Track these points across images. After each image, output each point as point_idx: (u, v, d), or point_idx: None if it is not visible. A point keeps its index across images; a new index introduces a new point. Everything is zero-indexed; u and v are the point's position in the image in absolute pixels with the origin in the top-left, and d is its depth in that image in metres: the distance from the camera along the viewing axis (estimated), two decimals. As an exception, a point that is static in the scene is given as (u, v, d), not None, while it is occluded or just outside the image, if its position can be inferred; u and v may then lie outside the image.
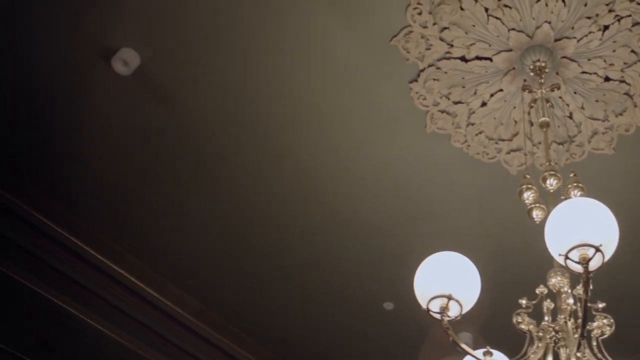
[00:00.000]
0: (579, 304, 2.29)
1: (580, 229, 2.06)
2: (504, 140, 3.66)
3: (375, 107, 3.60)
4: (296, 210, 4.15)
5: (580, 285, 2.21)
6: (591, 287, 2.03)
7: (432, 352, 4.44)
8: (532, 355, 2.30)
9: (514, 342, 2.42)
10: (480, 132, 3.66)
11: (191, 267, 4.58)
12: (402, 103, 3.58)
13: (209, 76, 3.49)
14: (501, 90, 3.45)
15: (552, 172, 2.67)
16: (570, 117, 3.49)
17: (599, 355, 2.22)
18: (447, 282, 2.29)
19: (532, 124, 3.46)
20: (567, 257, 2.05)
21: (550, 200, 2.70)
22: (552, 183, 2.67)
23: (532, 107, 3.24)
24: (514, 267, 4.04)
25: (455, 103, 3.56)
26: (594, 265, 2.04)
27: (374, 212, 4.10)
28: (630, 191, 3.78)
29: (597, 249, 2.02)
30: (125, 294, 4.63)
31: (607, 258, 2.05)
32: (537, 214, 2.72)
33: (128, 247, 4.49)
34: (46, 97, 3.66)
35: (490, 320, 3.61)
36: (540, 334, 2.31)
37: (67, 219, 4.28)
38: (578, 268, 2.05)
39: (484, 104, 3.54)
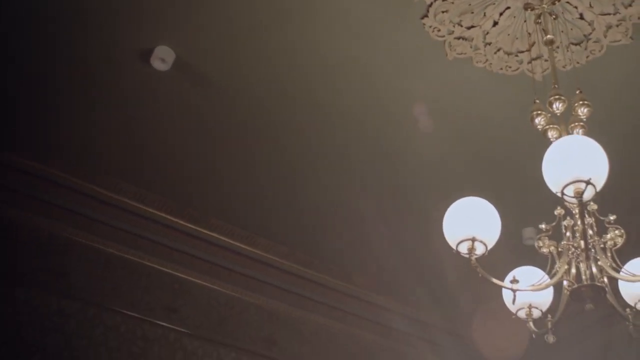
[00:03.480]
0: (593, 219, 2.55)
1: (570, 166, 2.31)
2: (522, 52, 3.81)
3: (395, 49, 3.85)
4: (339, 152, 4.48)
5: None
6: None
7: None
8: (558, 270, 2.62)
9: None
10: (499, 50, 3.82)
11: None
12: (419, 39, 3.79)
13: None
14: (508, 7, 3.59)
15: (556, 97, 2.86)
16: (582, 17, 3.58)
17: (614, 265, 2.51)
18: (470, 226, 2.62)
19: (546, 33, 3.58)
20: (563, 193, 2.33)
21: (561, 120, 2.92)
22: (558, 107, 2.87)
23: (538, 23, 3.37)
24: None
25: (469, 28, 3.73)
26: (587, 197, 2.30)
27: (408, 139, 4.38)
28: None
29: (588, 183, 2.28)
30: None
31: (598, 189, 2.30)
32: (552, 135, 2.94)
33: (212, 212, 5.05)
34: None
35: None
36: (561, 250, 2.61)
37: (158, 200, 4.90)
38: (574, 201, 2.32)
39: (495, 24, 3.69)
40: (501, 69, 3.92)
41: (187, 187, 4.92)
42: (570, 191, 2.33)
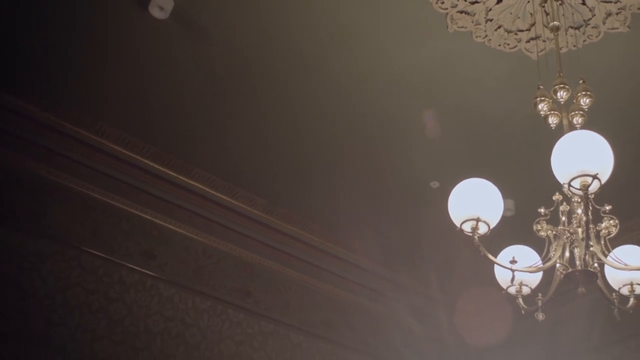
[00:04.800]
0: (590, 207, 2.69)
1: (579, 160, 2.44)
2: (522, 30, 3.89)
3: (397, 17, 3.88)
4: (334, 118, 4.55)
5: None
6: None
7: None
8: (553, 253, 2.77)
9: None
10: (499, 27, 3.89)
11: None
12: (423, 10, 3.84)
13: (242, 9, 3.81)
14: (515, -13, 3.65)
15: (561, 85, 2.97)
16: (584, 3, 3.67)
17: (605, 252, 2.67)
18: (474, 206, 2.73)
19: (547, 14, 3.67)
20: (570, 185, 2.45)
21: (562, 107, 3.04)
22: (562, 95, 2.98)
23: (543, 6, 3.44)
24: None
25: (472, 3, 3.79)
26: (592, 189, 2.44)
27: (408, 106, 4.46)
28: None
29: (595, 177, 2.41)
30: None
31: (603, 182, 2.44)
32: (552, 120, 3.06)
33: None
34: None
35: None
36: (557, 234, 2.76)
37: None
38: (580, 193, 2.46)
39: (499, 1, 3.75)
40: (499, 45, 4.00)
41: (171, 136, 4.90)
42: (576, 183, 2.46)
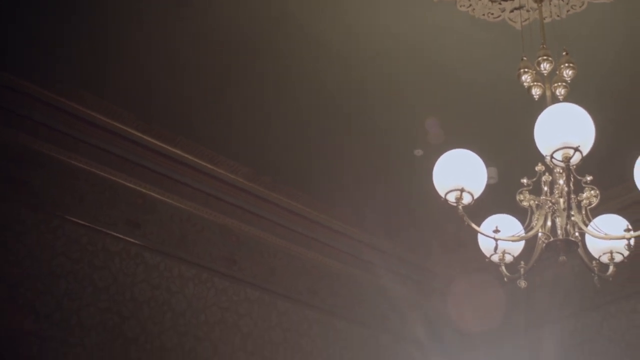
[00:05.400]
0: (572, 179, 2.74)
1: (561, 133, 2.48)
2: (506, 0, 3.89)
3: (383, -13, 3.86)
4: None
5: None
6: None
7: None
8: (535, 223, 2.83)
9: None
10: (483, -4, 3.89)
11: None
12: (407, -20, 3.82)
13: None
14: (500, -44, 3.64)
15: (545, 57, 3.00)
16: (567, -28, 3.68)
17: (587, 222, 2.74)
18: (459, 177, 2.78)
19: (537, -11, 3.67)
20: (552, 157, 2.50)
21: (545, 79, 3.07)
22: (545, 67, 3.02)
23: (526, -25, 3.45)
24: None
25: (456, -27, 3.78)
26: (574, 161, 2.49)
27: (391, 75, 4.47)
28: (630, 40, 4.04)
29: (576, 149, 2.46)
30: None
31: (585, 154, 2.49)
32: (535, 92, 3.10)
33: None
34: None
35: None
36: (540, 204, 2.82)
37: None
38: (562, 165, 2.50)
39: (483, -29, 3.75)
40: (483, 15, 4.00)
41: (154, 104, 4.88)
42: (559, 155, 2.51)
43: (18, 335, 4.43)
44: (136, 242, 5.15)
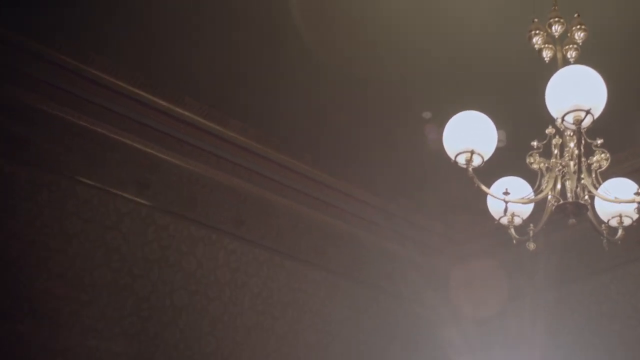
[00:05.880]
0: (582, 142, 2.74)
1: (573, 95, 2.47)
2: (518, -41, 3.85)
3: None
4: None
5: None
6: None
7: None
8: (545, 186, 2.84)
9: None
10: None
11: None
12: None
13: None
14: None
15: (556, 19, 2.97)
16: None
17: (597, 185, 2.74)
18: (469, 139, 2.78)
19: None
20: (563, 120, 2.50)
21: (557, 41, 3.05)
22: (556, 29, 2.99)
23: None
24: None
25: None
26: (585, 124, 2.48)
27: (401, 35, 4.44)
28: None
29: (588, 112, 2.45)
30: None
31: (596, 117, 2.48)
32: (546, 54, 3.08)
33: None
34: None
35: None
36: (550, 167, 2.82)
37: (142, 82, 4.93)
38: (572, 128, 2.50)
39: None
40: (495, -24, 3.96)
41: (160, 63, 4.85)
42: (570, 118, 2.50)
43: (32, 294, 4.51)
44: (146, 203, 5.19)
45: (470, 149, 2.76)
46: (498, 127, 2.96)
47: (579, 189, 2.74)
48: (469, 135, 2.79)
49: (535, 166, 2.90)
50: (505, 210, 2.84)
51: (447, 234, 6.59)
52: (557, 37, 3.03)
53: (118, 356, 4.81)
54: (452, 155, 2.82)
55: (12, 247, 4.51)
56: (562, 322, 5.92)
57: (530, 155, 2.90)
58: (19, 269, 4.49)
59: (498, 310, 6.35)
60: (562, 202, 2.77)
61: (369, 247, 6.36)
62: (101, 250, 4.90)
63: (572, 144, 2.79)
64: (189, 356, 5.15)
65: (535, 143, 2.92)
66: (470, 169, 2.77)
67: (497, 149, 2.95)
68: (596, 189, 2.78)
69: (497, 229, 3.15)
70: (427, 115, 4.98)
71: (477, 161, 2.78)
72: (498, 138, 2.99)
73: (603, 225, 2.97)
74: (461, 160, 2.79)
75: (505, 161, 3.39)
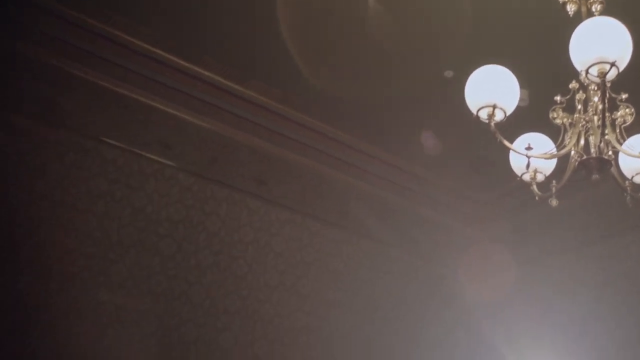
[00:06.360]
0: (607, 96, 2.71)
1: (597, 47, 2.43)
2: None
3: None
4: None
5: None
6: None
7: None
8: (568, 141, 2.82)
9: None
10: None
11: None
12: None
13: None
14: None
15: (582, -29, 2.90)
16: None
17: (621, 141, 2.71)
18: (491, 93, 2.75)
19: None
20: (587, 72, 2.46)
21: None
22: (582, -19, 2.92)
23: None
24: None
25: None
26: (610, 77, 2.45)
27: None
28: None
29: (613, 64, 2.41)
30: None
31: (621, 69, 2.44)
32: (570, 8, 3.03)
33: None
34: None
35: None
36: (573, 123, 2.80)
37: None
38: (597, 80, 2.47)
39: None
40: None
41: (182, 24, 4.84)
42: (594, 71, 2.47)
43: (62, 253, 4.62)
44: (170, 163, 5.25)
45: (492, 103, 2.73)
46: (521, 85, 2.93)
47: (602, 144, 2.71)
48: (491, 89, 2.75)
49: (558, 121, 2.86)
50: (528, 166, 2.82)
51: (471, 196, 6.58)
52: (582, -11, 2.96)
53: (145, 313, 4.93)
54: (474, 110, 2.80)
55: (42, 207, 4.61)
56: (583, 282, 5.91)
57: (554, 110, 2.87)
58: (49, 229, 4.60)
59: (519, 273, 6.36)
60: (585, 157, 2.74)
61: (392, 208, 6.37)
62: (127, 210, 4.98)
63: (596, 98, 2.75)
64: (213, 314, 5.26)
65: (558, 98, 2.88)
66: (492, 123, 2.75)
67: (520, 109, 2.92)
68: (620, 144, 2.75)
69: (520, 189, 3.14)
70: (448, 74, 4.93)
71: (499, 116, 2.75)
72: (521, 97, 2.96)
73: (627, 182, 2.94)
74: (483, 115, 2.77)
75: (528, 119, 3.37)
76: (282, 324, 5.56)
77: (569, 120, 2.84)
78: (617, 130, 2.75)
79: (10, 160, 4.59)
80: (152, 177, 5.17)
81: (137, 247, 4.99)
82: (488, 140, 2.91)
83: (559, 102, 2.87)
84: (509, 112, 2.77)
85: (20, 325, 4.40)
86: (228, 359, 5.20)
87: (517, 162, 3.00)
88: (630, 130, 2.81)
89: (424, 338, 6.23)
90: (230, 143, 5.55)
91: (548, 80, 3.00)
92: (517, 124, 3.05)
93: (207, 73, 5.25)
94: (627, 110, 2.77)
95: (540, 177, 2.99)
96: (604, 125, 2.59)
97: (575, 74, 2.79)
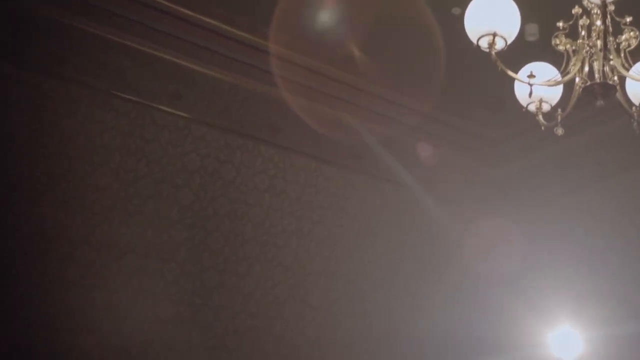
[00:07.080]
0: (609, 20, 2.64)
1: (599, -33, 2.36)
2: None
3: None
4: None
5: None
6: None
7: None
8: (572, 68, 2.77)
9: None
10: None
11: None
12: None
13: None
14: None
15: None
16: None
17: (626, 65, 2.65)
18: (491, 20, 2.69)
19: None
20: (589, -7, 2.40)
21: None
22: None
23: None
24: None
25: None
26: (611, -4, 2.38)
27: None
28: None
29: (614, -17, 2.35)
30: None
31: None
32: None
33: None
34: None
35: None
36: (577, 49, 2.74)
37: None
38: (598, 2, 2.40)
39: None
40: None
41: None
42: (595, -10, 2.40)
43: (78, 205, 4.71)
44: (182, 114, 5.28)
45: (492, 31, 2.67)
46: (529, 19, 2.87)
47: (606, 68, 2.65)
48: (490, 17, 2.69)
49: (561, 47, 2.80)
50: (530, 94, 2.78)
51: (486, 135, 6.52)
52: None
53: (167, 262, 5.03)
54: (474, 39, 2.73)
55: (58, 163, 4.68)
56: (598, 218, 5.89)
57: (556, 36, 2.81)
58: (67, 184, 4.68)
59: (536, 212, 6.34)
60: (589, 83, 2.69)
61: (408, 150, 6.34)
62: (143, 162, 5.04)
63: (598, 22, 2.68)
64: (234, 261, 5.34)
65: (560, 24, 2.81)
66: (493, 52, 2.70)
67: (529, 43, 2.87)
68: (627, 70, 2.69)
69: (532, 128, 3.10)
70: (456, 11, 4.83)
71: (500, 44, 2.69)
72: (530, 32, 2.90)
73: (633, 108, 2.88)
74: (483, 43, 2.71)
75: (532, 51, 3.30)
76: (301, 268, 5.64)
77: (573, 47, 2.78)
78: (622, 55, 2.69)
79: (25, 117, 4.65)
80: (165, 129, 5.21)
81: (155, 198, 5.07)
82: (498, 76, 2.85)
83: (561, 27, 2.80)
84: (509, 40, 2.71)
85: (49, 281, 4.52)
86: (250, 303, 5.31)
87: (522, 93, 2.96)
88: (635, 55, 2.75)
89: (446, 275, 6.27)
90: (242, 92, 5.54)
91: (557, 13, 2.91)
92: (527, 59, 3.00)
93: (215, 22, 5.21)
94: (632, 33, 2.70)
95: (546, 107, 2.95)
96: (605, 47, 2.53)
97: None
